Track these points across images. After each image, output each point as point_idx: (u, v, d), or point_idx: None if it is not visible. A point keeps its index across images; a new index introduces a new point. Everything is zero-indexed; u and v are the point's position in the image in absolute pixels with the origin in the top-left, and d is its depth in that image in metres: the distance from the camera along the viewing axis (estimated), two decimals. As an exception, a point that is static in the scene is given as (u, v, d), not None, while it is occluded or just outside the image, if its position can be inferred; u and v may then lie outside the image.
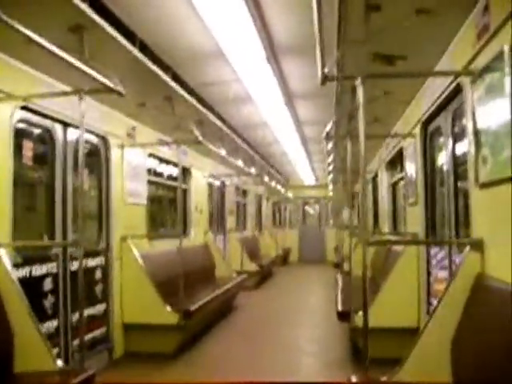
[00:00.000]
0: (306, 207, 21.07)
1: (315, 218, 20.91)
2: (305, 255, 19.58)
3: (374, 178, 10.22)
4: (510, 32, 2.63)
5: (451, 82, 3.86)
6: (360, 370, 3.54)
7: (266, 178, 13.35)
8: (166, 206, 8.77)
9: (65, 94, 4.27)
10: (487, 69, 2.96)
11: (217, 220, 11.36)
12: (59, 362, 3.56)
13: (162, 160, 7.55)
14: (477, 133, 3.19)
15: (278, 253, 16.11)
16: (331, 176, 12.83)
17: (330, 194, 17.13)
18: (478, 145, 3.18)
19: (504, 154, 2.70)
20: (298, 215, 20.86)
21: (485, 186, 3.07)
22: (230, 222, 12.26)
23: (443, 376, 3.09)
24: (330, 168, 11.18)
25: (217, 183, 11.36)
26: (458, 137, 4.30)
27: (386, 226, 8.73)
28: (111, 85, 3.82)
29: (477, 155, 3.19)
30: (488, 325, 2.72)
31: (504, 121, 2.70)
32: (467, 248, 3.25)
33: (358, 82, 3.28)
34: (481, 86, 3.08)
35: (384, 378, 3.29)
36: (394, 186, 8.31)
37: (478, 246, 3.16)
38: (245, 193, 14.60)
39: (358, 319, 4.81)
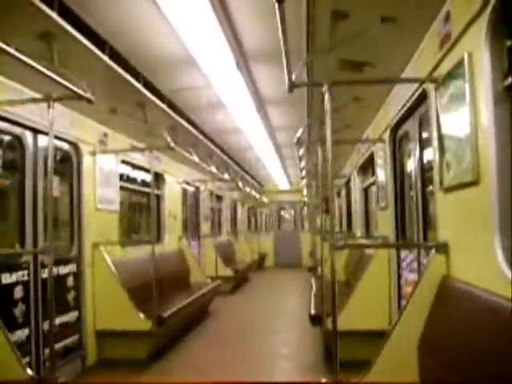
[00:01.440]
0: (282, 212, 21.11)
1: (291, 222, 20.95)
2: (281, 260, 19.56)
3: (348, 183, 10.31)
4: (469, 40, 2.71)
5: (417, 89, 3.93)
6: (331, 373, 3.57)
7: (241, 184, 13.36)
8: (140, 212, 8.73)
9: (34, 100, 4.23)
10: (449, 76, 3.03)
11: (191, 225, 11.33)
12: (30, 371, 3.53)
13: (134, 166, 7.52)
14: (441, 138, 3.26)
15: (253, 258, 16.11)
16: (305, 181, 12.89)
17: (305, 198, 17.19)
18: (442, 150, 3.24)
19: (466, 159, 2.77)
20: (274, 220, 20.89)
21: (449, 190, 3.14)
22: (205, 227, 12.24)
23: (411, 376, 3.14)
24: (304, 173, 11.24)
25: (191, 189, 11.35)
26: (425, 142, 4.36)
27: (359, 229, 8.81)
28: (80, 92, 3.82)
29: (441, 160, 3.25)
30: (453, 325, 2.79)
31: (465, 128, 2.77)
32: (433, 251, 3.31)
33: (325, 88, 3.33)
34: (444, 92, 3.15)
35: (354, 380, 3.34)
36: (366, 191, 8.39)
37: (443, 248, 3.22)
38: (220, 198, 14.59)
39: (330, 323, 4.84)
